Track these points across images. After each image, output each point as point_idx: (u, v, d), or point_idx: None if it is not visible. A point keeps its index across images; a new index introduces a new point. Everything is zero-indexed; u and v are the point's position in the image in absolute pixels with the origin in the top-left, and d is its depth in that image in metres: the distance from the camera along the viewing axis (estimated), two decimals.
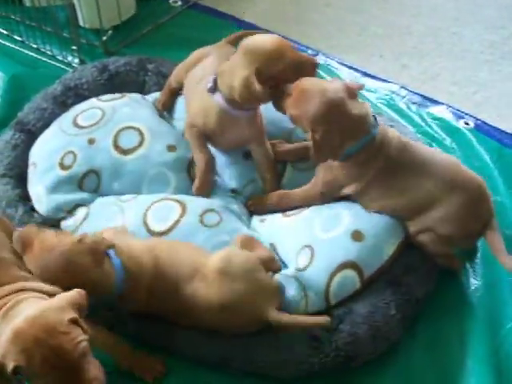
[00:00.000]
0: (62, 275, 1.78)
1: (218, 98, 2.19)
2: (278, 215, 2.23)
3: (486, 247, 2.12)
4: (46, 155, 2.33)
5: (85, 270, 1.81)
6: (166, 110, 2.53)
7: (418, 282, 2.06)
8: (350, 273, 2.01)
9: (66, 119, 2.42)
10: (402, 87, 2.82)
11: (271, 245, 2.16)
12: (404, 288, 2.03)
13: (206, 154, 2.27)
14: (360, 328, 1.93)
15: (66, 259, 1.80)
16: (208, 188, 2.26)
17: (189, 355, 1.95)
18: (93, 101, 2.49)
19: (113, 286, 1.87)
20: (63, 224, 2.22)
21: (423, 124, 2.68)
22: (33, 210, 2.26)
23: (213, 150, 2.34)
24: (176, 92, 2.53)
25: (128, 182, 2.29)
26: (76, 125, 2.38)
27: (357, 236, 2.06)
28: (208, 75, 2.24)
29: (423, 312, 2.09)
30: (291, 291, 2.00)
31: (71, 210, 2.23)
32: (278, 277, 2.04)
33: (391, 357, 1.99)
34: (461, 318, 2.09)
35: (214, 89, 2.19)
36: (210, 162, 2.27)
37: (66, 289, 1.69)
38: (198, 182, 2.25)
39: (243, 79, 2.08)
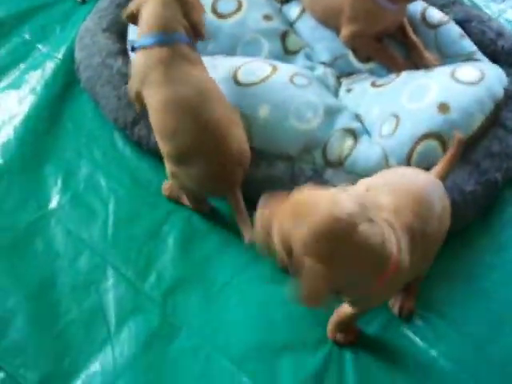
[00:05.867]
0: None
1: None
2: (367, 85, 2.25)
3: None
4: None
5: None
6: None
7: (497, 164, 2.07)
8: (432, 143, 2.02)
9: None
10: None
11: (357, 116, 2.20)
12: (482, 167, 2.05)
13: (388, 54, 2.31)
14: None
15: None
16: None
17: None
18: None
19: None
20: None
21: None
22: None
23: (311, 23, 2.39)
24: None
25: (223, 45, 2.34)
26: None
27: (443, 108, 2.05)
28: None
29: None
30: (373, 157, 2.04)
31: None
32: (360, 143, 2.08)
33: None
34: None
35: None
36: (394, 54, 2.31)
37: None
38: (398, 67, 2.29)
39: None
